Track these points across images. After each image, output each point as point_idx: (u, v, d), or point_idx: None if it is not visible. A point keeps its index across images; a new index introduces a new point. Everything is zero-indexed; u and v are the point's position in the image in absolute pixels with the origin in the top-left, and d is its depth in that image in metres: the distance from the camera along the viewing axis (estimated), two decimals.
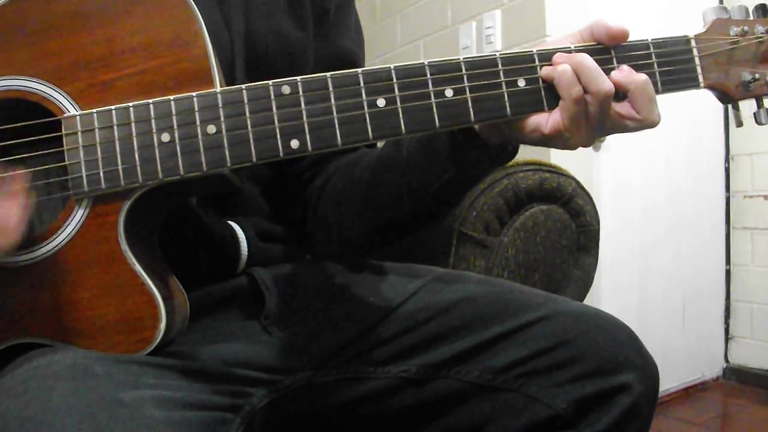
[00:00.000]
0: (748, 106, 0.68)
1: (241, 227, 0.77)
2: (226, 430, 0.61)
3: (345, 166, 0.82)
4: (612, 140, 1.95)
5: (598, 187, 1.93)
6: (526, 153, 0.79)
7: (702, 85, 0.65)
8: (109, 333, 0.59)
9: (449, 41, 2.17)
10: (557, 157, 1.59)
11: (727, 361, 2.37)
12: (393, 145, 0.76)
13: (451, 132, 0.68)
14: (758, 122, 0.67)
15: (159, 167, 0.58)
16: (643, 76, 0.61)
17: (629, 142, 2.01)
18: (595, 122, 0.61)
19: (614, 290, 2.01)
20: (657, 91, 0.64)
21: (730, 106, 0.68)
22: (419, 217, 0.78)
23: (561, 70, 0.60)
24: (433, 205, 0.76)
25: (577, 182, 1.16)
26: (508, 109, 0.62)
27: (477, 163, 0.70)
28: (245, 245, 0.77)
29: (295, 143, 0.59)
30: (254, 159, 0.59)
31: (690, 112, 2.17)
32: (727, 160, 2.34)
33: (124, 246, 0.59)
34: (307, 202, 0.85)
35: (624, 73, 0.61)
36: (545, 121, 0.62)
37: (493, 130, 0.66)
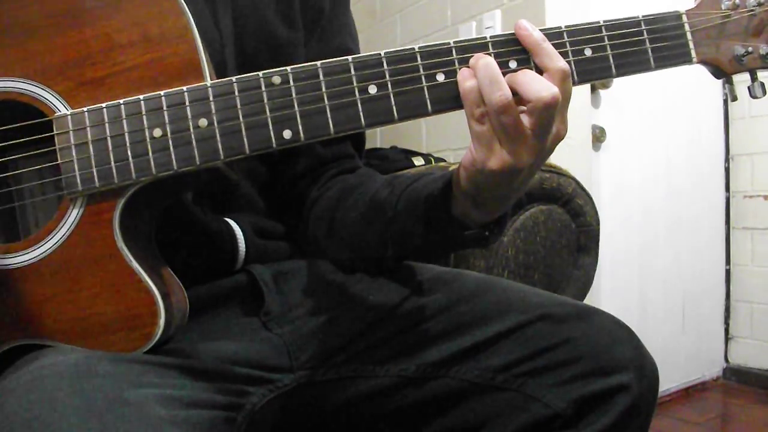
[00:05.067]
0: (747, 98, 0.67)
1: (238, 224, 0.77)
2: (230, 430, 0.61)
3: (342, 190, 0.81)
4: (612, 140, 1.95)
5: (598, 187, 1.92)
6: None
7: (695, 60, 0.64)
8: (108, 331, 0.59)
9: None
10: (557, 157, 1.58)
11: (727, 361, 2.37)
12: (388, 187, 0.74)
13: (432, 205, 0.66)
14: (752, 95, 0.66)
15: (152, 163, 0.58)
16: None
17: (629, 142, 2.01)
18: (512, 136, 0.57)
19: (614, 290, 2.01)
20: (650, 68, 0.63)
21: (724, 81, 0.67)
22: (403, 260, 0.79)
23: (468, 87, 0.59)
24: (416, 256, 0.76)
25: (577, 182, 1.16)
26: None
27: (452, 241, 0.69)
28: (242, 242, 0.77)
29: (287, 133, 0.59)
30: (247, 151, 0.59)
31: (690, 112, 2.16)
32: (727, 160, 2.33)
33: (121, 244, 0.59)
34: (300, 208, 0.85)
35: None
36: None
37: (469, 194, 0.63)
